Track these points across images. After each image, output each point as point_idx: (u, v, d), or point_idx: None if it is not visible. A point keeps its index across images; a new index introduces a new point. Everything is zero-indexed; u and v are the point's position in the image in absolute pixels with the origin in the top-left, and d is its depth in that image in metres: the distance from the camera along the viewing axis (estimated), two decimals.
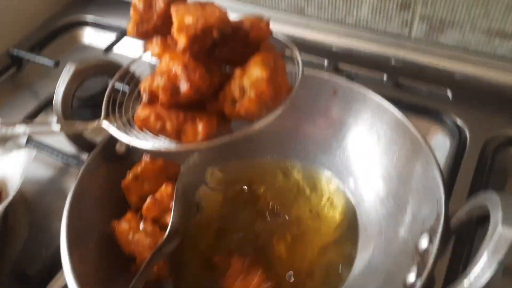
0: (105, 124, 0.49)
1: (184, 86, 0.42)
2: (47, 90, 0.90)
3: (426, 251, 0.45)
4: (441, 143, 0.72)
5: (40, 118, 0.81)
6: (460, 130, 0.72)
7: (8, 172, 0.62)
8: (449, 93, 0.78)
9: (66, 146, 0.75)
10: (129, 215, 0.53)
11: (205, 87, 0.43)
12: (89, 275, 0.48)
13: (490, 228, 0.37)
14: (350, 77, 0.80)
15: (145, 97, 0.45)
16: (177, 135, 0.44)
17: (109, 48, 0.89)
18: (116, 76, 0.53)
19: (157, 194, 0.53)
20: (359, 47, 0.87)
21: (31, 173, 0.65)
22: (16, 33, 0.97)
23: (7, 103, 0.89)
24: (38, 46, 0.96)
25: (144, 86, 0.45)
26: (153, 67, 0.52)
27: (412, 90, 0.81)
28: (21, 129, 0.68)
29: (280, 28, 0.92)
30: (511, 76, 0.77)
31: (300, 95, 0.63)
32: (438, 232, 0.45)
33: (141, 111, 0.44)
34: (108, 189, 0.57)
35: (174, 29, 0.42)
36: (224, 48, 0.44)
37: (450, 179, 0.65)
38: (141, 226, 0.52)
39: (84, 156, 0.71)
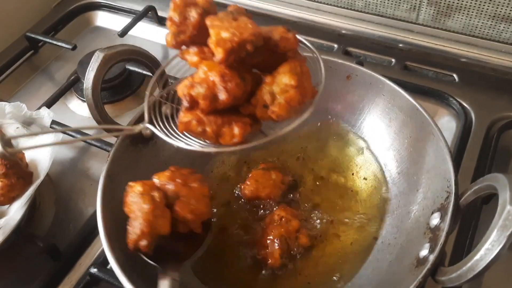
0: (151, 127, 0.52)
1: (222, 95, 0.46)
2: (63, 73, 0.93)
3: (438, 228, 0.49)
4: (447, 125, 0.75)
5: (61, 101, 0.83)
6: (466, 112, 0.75)
7: (38, 155, 0.65)
8: (456, 76, 0.81)
9: (89, 124, 0.78)
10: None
11: (240, 94, 0.47)
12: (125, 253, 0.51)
13: (499, 207, 0.40)
14: (360, 61, 0.83)
15: (185, 103, 0.48)
16: (216, 138, 0.48)
17: (125, 31, 0.91)
18: (153, 80, 0.57)
19: None
20: (367, 31, 0.89)
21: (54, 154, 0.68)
22: (31, 16, 0.99)
23: (26, 85, 0.91)
24: (53, 29, 0.98)
25: (183, 93, 0.48)
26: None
27: (419, 74, 0.83)
28: (45, 112, 0.72)
29: (290, 11, 0.95)
30: None
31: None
32: (449, 210, 0.48)
33: (184, 116, 0.48)
34: (136, 169, 0.60)
35: (212, 42, 0.45)
36: (255, 57, 0.47)
37: (456, 158, 0.68)
38: None
39: (106, 137, 0.75)
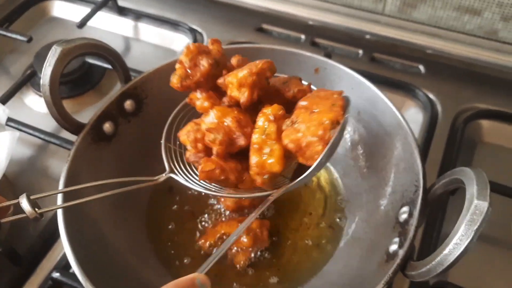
0: (173, 176, 0.52)
1: (242, 141, 0.48)
2: (19, 67, 0.88)
3: (406, 222, 0.49)
4: (414, 116, 0.75)
5: (17, 96, 0.79)
6: (432, 103, 0.76)
7: None
8: (422, 68, 0.82)
9: (45, 125, 0.75)
10: None
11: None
12: (88, 256, 0.49)
13: (466, 201, 0.40)
14: (328, 52, 0.82)
15: (200, 147, 0.49)
16: (237, 184, 0.49)
17: (83, 22, 0.87)
18: (166, 129, 0.56)
19: None
20: (335, 22, 0.88)
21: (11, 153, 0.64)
22: None
23: None
24: (6, 21, 0.93)
25: (192, 138, 0.49)
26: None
27: (386, 65, 0.83)
28: (0, 109, 0.68)
29: (257, 1, 0.93)
30: (480, 51, 0.81)
31: (281, 71, 0.65)
32: (418, 205, 0.48)
33: (206, 166, 0.47)
34: (98, 167, 0.58)
35: (234, 87, 0.48)
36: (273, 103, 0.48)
37: (423, 150, 0.69)
38: None
39: (65, 134, 0.71)
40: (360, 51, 0.85)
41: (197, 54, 0.51)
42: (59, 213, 0.50)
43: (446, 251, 0.39)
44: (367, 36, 0.87)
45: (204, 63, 0.51)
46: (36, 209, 0.43)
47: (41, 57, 0.81)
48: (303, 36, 0.88)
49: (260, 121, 0.46)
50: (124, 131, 0.61)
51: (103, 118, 0.58)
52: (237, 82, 0.47)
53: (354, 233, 0.57)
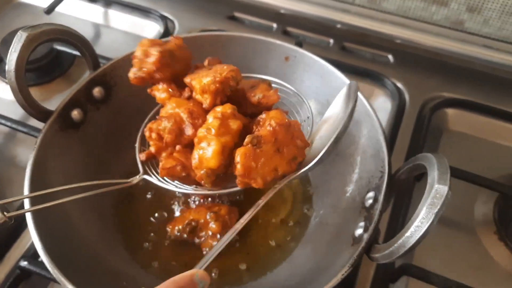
0: (147, 177, 0.52)
1: (189, 130, 0.48)
2: None
3: (372, 206, 0.50)
4: (383, 105, 0.77)
5: None
6: (400, 92, 0.78)
7: None
8: (391, 57, 0.83)
9: (12, 113, 0.73)
10: None
11: None
12: (56, 244, 0.48)
13: (428, 185, 0.42)
14: (299, 41, 0.83)
15: (154, 136, 0.50)
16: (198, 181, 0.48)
17: (51, 8, 0.85)
18: (140, 133, 0.56)
19: None
20: (306, 11, 0.89)
21: None
22: None
23: None
24: None
25: (150, 127, 0.50)
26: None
27: (356, 54, 0.85)
28: None
29: None
30: (446, 41, 0.83)
31: (251, 59, 0.65)
32: (383, 190, 0.50)
33: (166, 162, 0.48)
34: (67, 155, 0.57)
35: (197, 92, 0.49)
36: (237, 108, 0.49)
37: (391, 137, 0.71)
38: None
39: (33, 122, 0.70)
40: (331, 40, 0.86)
41: (149, 47, 0.52)
42: (26, 202, 0.49)
43: (407, 234, 0.41)
44: (338, 26, 0.88)
45: (154, 51, 0.51)
46: (5, 213, 0.42)
47: (7, 43, 0.79)
48: (275, 25, 0.89)
49: (210, 118, 0.47)
50: (93, 119, 0.60)
51: (71, 105, 0.58)
52: (200, 89, 0.49)
53: (322, 219, 0.58)
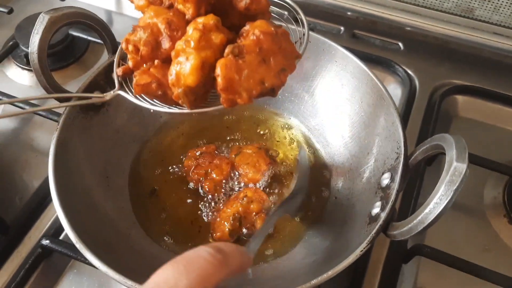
0: (121, 93, 0.49)
1: (166, 43, 0.43)
2: None
3: (388, 187, 0.51)
4: (394, 91, 0.78)
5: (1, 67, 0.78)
6: (410, 79, 0.79)
7: None
8: (401, 45, 0.84)
9: (29, 95, 0.74)
10: None
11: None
12: (79, 220, 0.49)
13: (446, 164, 0.43)
14: (310, 28, 0.83)
15: (130, 48, 0.45)
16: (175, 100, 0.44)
17: None
18: (118, 53, 0.53)
19: None
20: None
21: None
22: None
23: None
24: None
25: (127, 39, 0.46)
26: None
27: (367, 42, 0.86)
28: None
29: None
30: (456, 28, 0.84)
31: None
32: (399, 170, 0.51)
33: (141, 78, 0.44)
34: (88, 135, 0.58)
35: (179, 1, 0.43)
36: (223, 19, 0.44)
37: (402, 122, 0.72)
38: None
39: (48, 104, 0.72)
40: (342, 28, 0.87)
41: None
42: (51, 179, 0.50)
43: (427, 210, 0.42)
44: (349, 13, 0.89)
45: None
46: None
47: (23, 29, 0.80)
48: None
49: (189, 29, 0.42)
50: (112, 102, 0.61)
51: (92, 87, 0.59)
52: None
53: (337, 200, 0.60)
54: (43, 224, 0.62)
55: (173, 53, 0.42)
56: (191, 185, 0.62)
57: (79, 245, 0.46)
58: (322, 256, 0.52)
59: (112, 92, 0.49)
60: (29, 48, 0.53)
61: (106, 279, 0.58)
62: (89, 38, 0.80)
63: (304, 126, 0.68)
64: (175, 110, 0.46)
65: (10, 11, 0.82)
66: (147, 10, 0.45)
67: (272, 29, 0.42)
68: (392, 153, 0.54)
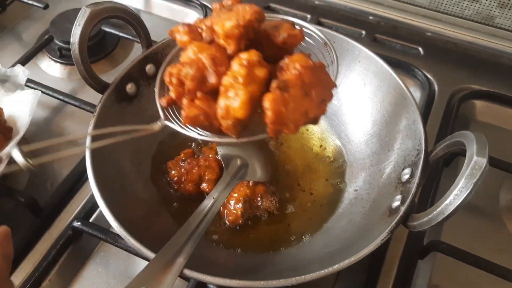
0: (168, 123, 0.51)
1: (212, 78, 0.46)
2: (32, 33, 0.90)
3: (408, 181, 0.53)
4: (413, 94, 0.79)
5: (32, 62, 0.82)
6: (430, 83, 0.80)
7: (16, 111, 0.64)
8: (421, 50, 0.86)
9: (61, 86, 0.78)
10: None
11: None
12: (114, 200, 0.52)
13: (467, 159, 0.45)
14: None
15: (174, 81, 0.48)
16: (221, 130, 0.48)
17: None
18: (159, 77, 0.55)
19: None
20: (340, 2, 0.92)
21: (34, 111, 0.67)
22: None
23: None
24: None
25: (170, 72, 0.48)
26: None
27: (387, 46, 0.88)
28: (20, 70, 0.71)
29: None
30: (476, 35, 0.86)
31: None
32: (420, 165, 0.53)
33: (190, 111, 0.47)
34: (120, 124, 0.61)
35: (220, 37, 0.46)
36: (259, 51, 0.46)
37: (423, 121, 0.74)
38: None
39: (82, 96, 0.75)
40: (363, 32, 0.89)
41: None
42: (88, 162, 0.53)
43: (447, 201, 0.44)
44: (370, 18, 0.91)
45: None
46: (29, 160, 0.42)
47: (57, 24, 0.84)
48: (309, 16, 0.92)
49: (235, 65, 0.45)
50: (144, 94, 0.65)
51: (126, 79, 0.62)
52: (223, 34, 0.46)
53: (357, 194, 0.62)
54: (73, 208, 0.65)
55: (222, 88, 0.45)
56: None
57: (114, 224, 0.49)
58: (341, 246, 0.54)
59: (159, 123, 0.51)
60: (71, 39, 0.56)
61: (132, 262, 0.61)
62: (120, 34, 0.84)
63: (326, 123, 0.70)
64: (223, 139, 0.49)
65: (46, 7, 0.86)
66: (190, 45, 0.48)
67: (311, 62, 0.46)
68: (413, 150, 0.56)
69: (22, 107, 0.64)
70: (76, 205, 0.65)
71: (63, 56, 0.83)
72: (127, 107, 0.63)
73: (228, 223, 0.60)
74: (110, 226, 0.62)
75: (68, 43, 0.81)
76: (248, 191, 0.59)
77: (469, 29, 0.86)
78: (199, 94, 0.47)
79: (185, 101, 0.48)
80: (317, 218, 0.61)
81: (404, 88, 0.60)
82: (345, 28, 0.90)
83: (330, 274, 0.46)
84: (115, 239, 0.59)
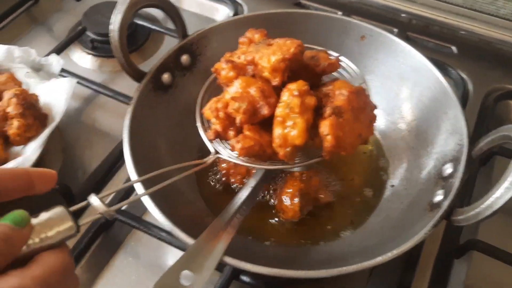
0: (220, 156, 0.52)
1: (265, 110, 0.49)
2: (64, 25, 0.91)
3: (451, 176, 0.52)
4: None
5: (64, 53, 0.82)
6: (464, 82, 0.79)
7: (52, 98, 0.64)
8: (454, 48, 0.85)
9: (92, 78, 0.78)
10: None
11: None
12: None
13: None
14: None
15: (221, 115, 0.50)
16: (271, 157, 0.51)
17: None
18: (199, 107, 0.57)
19: None
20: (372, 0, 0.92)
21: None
22: None
23: (24, 37, 0.89)
24: None
25: (215, 108, 0.50)
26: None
27: (420, 44, 0.87)
28: (54, 59, 0.71)
29: None
30: (511, 34, 0.85)
31: (327, 37, 0.68)
32: (462, 160, 0.52)
33: (245, 142, 0.49)
34: (155, 114, 0.61)
35: (267, 71, 0.49)
36: (297, 78, 0.49)
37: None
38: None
39: (115, 87, 0.75)
40: (395, 30, 0.88)
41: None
42: (126, 147, 0.53)
43: (497, 195, 0.43)
44: (403, 15, 0.90)
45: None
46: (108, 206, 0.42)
47: (90, 16, 0.85)
48: (339, 13, 0.91)
49: (285, 96, 0.48)
50: (179, 84, 0.64)
51: (162, 68, 0.62)
52: (270, 68, 0.49)
53: (395, 190, 0.61)
54: (104, 198, 0.64)
55: (278, 119, 0.48)
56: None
57: (154, 211, 0.48)
58: (379, 240, 0.53)
59: (211, 156, 0.52)
60: (110, 26, 0.56)
61: (162, 251, 0.61)
62: (152, 27, 0.84)
63: None
64: (279, 166, 0.51)
65: None
66: (236, 80, 0.51)
67: (354, 87, 0.49)
68: (454, 145, 0.55)
69: (57, 95, 0.64)
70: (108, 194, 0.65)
71: (95, 48, 0.84)
72: (162, 96, 0.62)
73: (285, 219, 0.59)
74: (142, 214, 0.63)
75: (101, 35, 0.83)
76: (302, 184, 0.58)
77: (504, 28, 0.85)
78: (246, 125, 0.50)
79: (232, 133, 0.51)
80: (356, 213, 0.60)
81: (443, 82, 0.59)
82: (376, 25, 0.88)
83: (366, 269, 0.45)
84: (148, 227, 0.58)
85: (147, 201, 0.50)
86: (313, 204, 0.59)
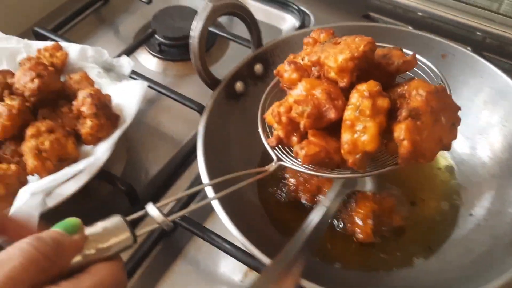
0: (283, 163, 0.49)
1: (331, 113, 0.45)
2: (132, 27, 0.92)
3: None
4: None
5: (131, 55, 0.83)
6: None
7: (123, 100, 0.65)
8: None
9: (159, 79, 0.78)
10: None
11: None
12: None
13: None
14: None
15: (284, 120, 0.47)
16: (339, 165, 0.47)
17: None
18: (260, 113, 0.54)
19: None
20: (446, 16, 0.88)
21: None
22: None
23: (93, 37, 0.90)
24: None
25: (278, 112, 0.47)
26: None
27: (496, 64, 0.82)
28: (125, 61, 0.71)
29: None
30: None
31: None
32: None
33: (310, 149, 0.45)
34: (227, 121, 0.61)
35: (334, 71, 0.45)
36: (367, 78, 0.45)
37: None
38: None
39: (177, 90, 0.75)
40: (469, 48, 0.84)
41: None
42: (199, 146, 0.53)
43: None
44: (478, 33, 0.86)
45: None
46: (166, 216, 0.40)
47: (159, 19, 0.85)
48: (410, 27, 0.88)
49: (354, 97, 0.43)
50: (251, 93, 0.63)
51: (236, 76, 0.61)
52: (337, 68, 0.45)
53: (473, 220, 0.57)
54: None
55: (347, 123, 0.44)
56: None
57: (231, 227, 0.47)
58: (459, 274, 0.50)
59: (273, 163, 0.49)
60: (191, 33, 0.56)
61: (221, 261, 0.60)
62: (218, 32, 0.83)
63: None
64: (348, 175, 0.47)
65: (149, 1, 0.87)
66: (300, 82, 0.47)
67: (433, 87, 0.44)
68: None
69: (128, 97, 0.64)
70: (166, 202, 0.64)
71: (162, 52, 0.84)
72: (234, 104, 0.62)
73: (357, 240, 0.56)
74: (203, 221, 0.62)
75: (169, 39, 0.83)
76: (375, 205, 0.55)
77: None
78: (311, 131, 0.46)
79: (295, 139, 0.47)
80: (429, 238, 0.57)
81: None
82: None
83: None
84: (210, 237, 0.57)
85: (217, 206, 0.49)
86: (385, 226, 0.56)
